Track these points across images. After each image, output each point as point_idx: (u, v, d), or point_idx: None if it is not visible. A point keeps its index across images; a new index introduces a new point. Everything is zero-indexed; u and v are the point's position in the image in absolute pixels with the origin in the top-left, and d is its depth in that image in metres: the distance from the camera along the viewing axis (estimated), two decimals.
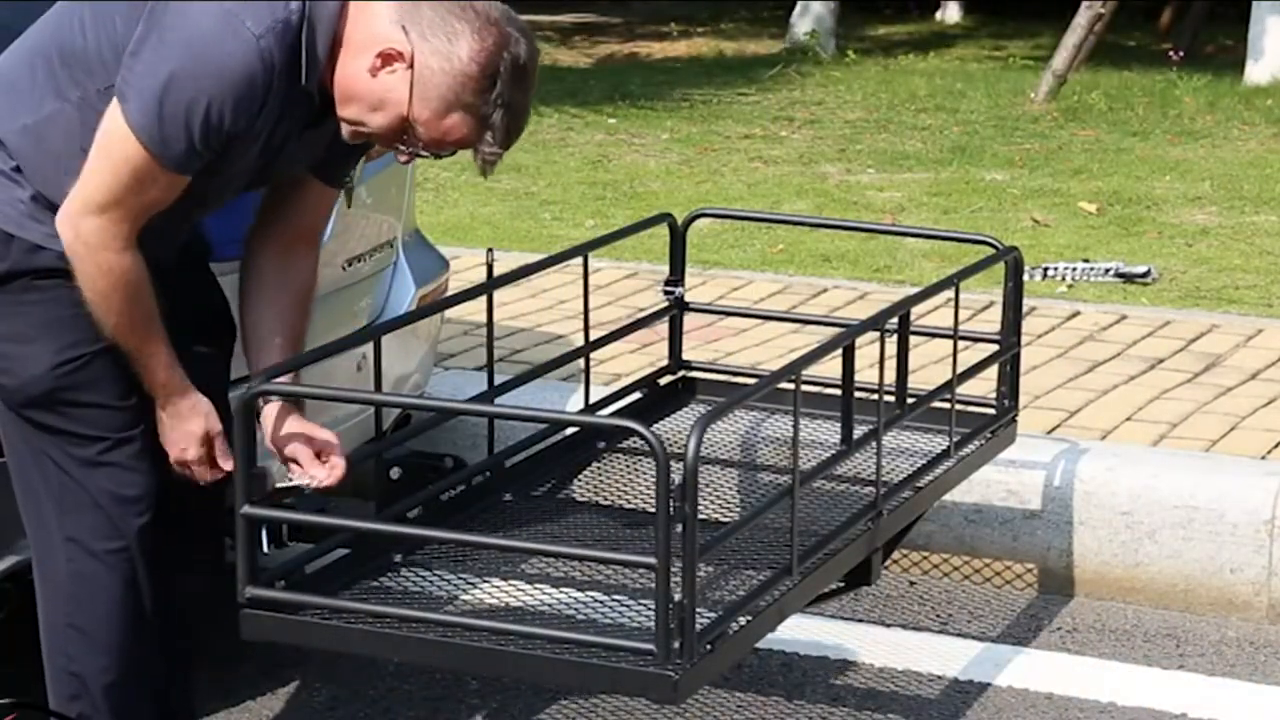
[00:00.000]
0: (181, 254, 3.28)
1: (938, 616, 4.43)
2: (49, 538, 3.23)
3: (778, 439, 4.15)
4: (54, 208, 3.07)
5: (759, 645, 3.81)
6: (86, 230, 3.01)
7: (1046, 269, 6.54)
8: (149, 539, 3.22)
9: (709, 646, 3.04)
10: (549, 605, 3.37)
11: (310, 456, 3.21)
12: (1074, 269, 6.54)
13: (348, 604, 3.21)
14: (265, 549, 3.44)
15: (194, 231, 3.31)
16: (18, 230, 3.11)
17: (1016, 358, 4.19)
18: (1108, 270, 6.51)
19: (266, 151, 3.09)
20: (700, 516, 2.94)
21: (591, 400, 4.17)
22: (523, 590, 3.45)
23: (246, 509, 3.11)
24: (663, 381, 4.35)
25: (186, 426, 3.17)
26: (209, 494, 3.24)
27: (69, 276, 3.08)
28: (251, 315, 3.27)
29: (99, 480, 3.18)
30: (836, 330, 3.87)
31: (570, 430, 4.06)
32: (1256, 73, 11.34)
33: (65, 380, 3.14)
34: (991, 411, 4.17)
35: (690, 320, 4.49)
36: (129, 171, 2.98)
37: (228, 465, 3.17)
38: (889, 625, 4.37)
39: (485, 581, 3.44)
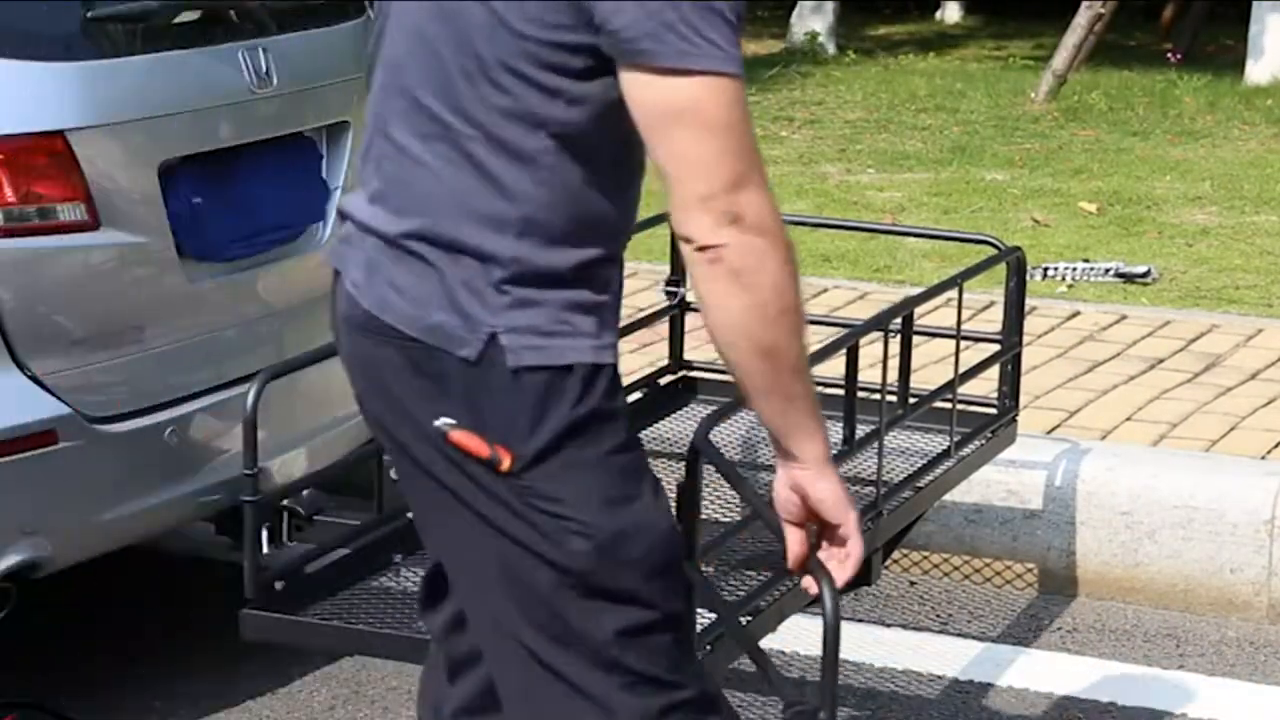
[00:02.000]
0: None
1: (938, 616, 4.43)
2: None
3: None
4: (588, 305, 2.33)
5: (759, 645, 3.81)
6: (752, 209, 2.22)
7: (1047, 269, 6.54)
8: None
9: (708, 646, 3.04)
10: None
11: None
12: (1074, 269, 6.54)
13: (344, 617, 3.21)
14: (265, 549, 3.43)
15: None
16: (578, 356, 2.31)
17: (1018, 358, 4.19)
18: (1108, 270, 6.51)
19: None
20: (700, 516, 2.94)
21: None
22: None
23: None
24: (663, 381, 4.35)
25: (842, 488, 2.42)
26: None
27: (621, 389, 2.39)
28: None
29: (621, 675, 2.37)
30: (837, 330, 3.87)
31: None
32: (1256, 73, 11.34)
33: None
34: (992, 411, 4.17)
35: (691, 320, 4.48)
36: (726, 113, 2.22)
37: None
38: (889, 625, 4.37)
39: None
